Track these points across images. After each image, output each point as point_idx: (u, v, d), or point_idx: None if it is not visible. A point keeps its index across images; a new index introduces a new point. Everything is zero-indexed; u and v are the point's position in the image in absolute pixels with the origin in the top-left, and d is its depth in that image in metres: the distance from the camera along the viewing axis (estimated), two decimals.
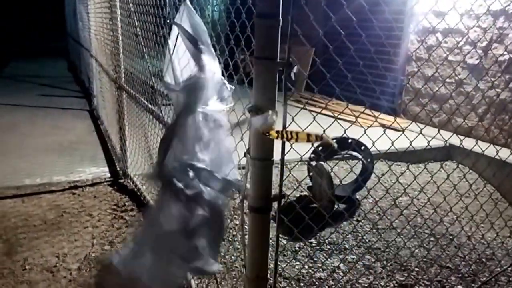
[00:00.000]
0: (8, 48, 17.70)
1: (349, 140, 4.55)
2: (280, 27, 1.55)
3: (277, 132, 1.54)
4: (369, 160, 4.74)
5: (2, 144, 6.34)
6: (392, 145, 2.42)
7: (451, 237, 4.14)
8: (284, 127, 1.62)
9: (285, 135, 1.55)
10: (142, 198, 4.58)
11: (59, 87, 10.98)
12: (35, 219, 4.15)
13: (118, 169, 5.45)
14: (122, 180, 5.16)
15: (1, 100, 9.02)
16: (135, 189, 4.83)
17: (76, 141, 6.61)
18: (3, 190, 4.72)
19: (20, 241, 3.77)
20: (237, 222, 3.77)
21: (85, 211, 4.35)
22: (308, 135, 1.55)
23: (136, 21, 3.99)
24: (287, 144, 1.67)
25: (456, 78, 6.82)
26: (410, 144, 2.66)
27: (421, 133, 2.65)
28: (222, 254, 3.57)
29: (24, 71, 13.41)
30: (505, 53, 6.06)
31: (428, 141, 2.92)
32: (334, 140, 4.53)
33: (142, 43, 3.83)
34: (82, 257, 3.58)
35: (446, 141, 3.51)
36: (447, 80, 6.92)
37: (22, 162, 5.59)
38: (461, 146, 3.52)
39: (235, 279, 3.36)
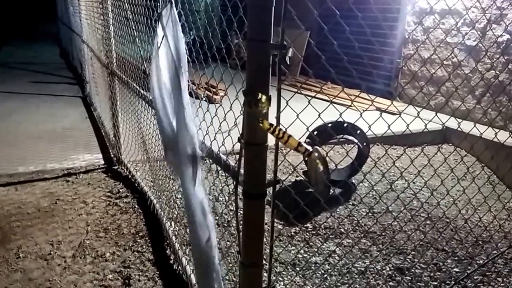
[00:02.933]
0: None
1: (345, 124, 4.52)
2: (273, 8, 1.50)
3: (271, 125, 1.51)
4: (365, 144, 4.71)
5: None
6: (389, 128, 2.38)
7: (447, 220, 4.13)
8: (279, 112, 1.58)
9: (276, 132, 1.52)
10: (136, 185, 4.56)
11: (51, 73, 10.88)
12: (28, 207, 4.13)
13: (112, 155, 5.41)
14: (116, 167, 5.13)
15: None
16: (129, 176, 4.80)
17: (70, 128, 6.56)
18: None
19: (14, 229, 3.74)
20: (232, 208, 3.74)
21: (79, 198, 4.32)
22: (299, 144, 1.53)
23: (126, 4, 3.91)
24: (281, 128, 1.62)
25: (454, 60, 6.76)
26: (407, 128, 2.62)
27: (418, 116, 2.61)
28: (217, 240, 3.55)
29: (16, 58, 13.27)
30: (504, 34, 6.00)
31: (425, 124, 2.88)
32: (330, 125, 4.56)
33: (133, 27, 3.75)
34: (77, 244, 3.56)
35: (443, 124, 3.47)
36: (445, 62, 6.86)
37: (15, 150, 5.54)
38: (458, 129, 3.48)
39: (230, 265, 3.34)
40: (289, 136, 1.53)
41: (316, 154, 1.57)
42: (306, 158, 4.65)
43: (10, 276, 3.15)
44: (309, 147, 1.56)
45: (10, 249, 3.46)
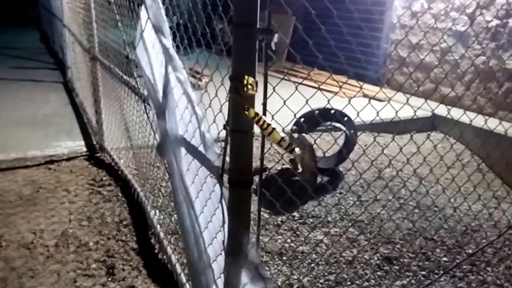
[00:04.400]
0: None
1: (332, 111, 4.47)
2: None
3: (256, 114, 1.48)
4: (352, 131, 4.67)
5: None
6: (377, 115, 2.34)
7: (436, 209, 4.13)
8: (265, 98, 1.56)
9: (260, 122, 1.49)
10: (119, 173, 4.50)
11: (31, 58, 10.65)
12: (10, 195, 4.06)
13: (94, 143, 5.32)
14: (98, 154, 5.05)
15: None
16: (112, 163, 4.74)
17: (51, 114, 6.45)
18: None
19: None
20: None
21: (61, 186, 4.26)
22: (282, 139, 1.51)
23: None
24: (268, 116, 1.59)
25: (442, 45, 6.71)
26: (396, 115, 2.58)
27: (407, 103, 2.57)
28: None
29: None
30: (494, 19, 5.96)
31: (414, 111, 2.84)
32: (317, 112, 4.50)
33: (115, 11, 3.65)
34: (59, 233, 3.51)
35: (433, 110, 3.44)
36: (433, 48, 6.82)
37: None
38: (447, 116, 3.45)
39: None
40: (273, 128, 1.51)
41: (298, 151, 1.52)
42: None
43: None
44: (292, 145, 1.54)
45: None
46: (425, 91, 6.90)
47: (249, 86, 1.46)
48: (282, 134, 1.53)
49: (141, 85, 3.18)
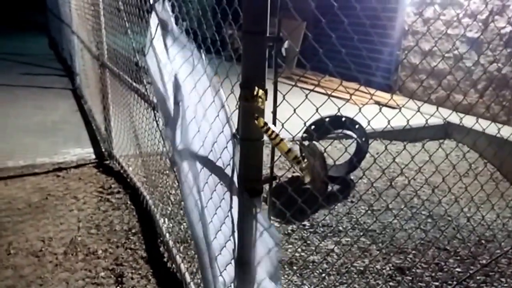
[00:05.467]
0: None
1: (343, 119, 4.44)
2: None
3: (265, 123, 1.49)
4: (363, 139, 4.63)
5: None
6: (388, 123, 2.30)
7: (449, 218, 4.07)
8: (275, 106, 1.57)
9: (269, 132, 1.50)
10: (128, 180, 4.49)
11: (40, 65, 10.73)
12: (19, 202, 4.06)
13: (103, 150, 5.33)
14: (107, 162, 5.05)
15: None
16: (121, 171, 4.72)
17: (60, 121, 6.47)
18: None
19: (4, 225, 3.68)
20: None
21: (70, 194, 4.25)
22: (289, 150, 1.52)
23: None
24: (278, 124, 1.60)
25: (455, 52, 6.65)
26: (408, 122, 2.53)
27: (418, 110, 2.53)
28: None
29: (3, 49, 13.04)
30: (507, 25, 5.90)
31: (426, 119, 2.80)
32: (327, 119, 4.47)
33: (125, 18, 3.65)
34: (68, 241, 3.50)
35: (445, 119, 3.38)
36: (446, 54, 6.76)
37: (3, 144, 5.44)
38: (460, 124, 3.40)
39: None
40: (281, 139, 1.51)
41: (304, 164, 1.52)
42: (304, 154, 4.59)
43: (1, 272, 3.10)
44: (300, 158, 1.56)
45: (0, 245, 3.41)
46: (438, 99, 6.83)
47: (259, 99, 1.45)
48: (290, 145, 1.51)
49: (151, 92, 3.16)
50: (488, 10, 6.23)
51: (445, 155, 3.35)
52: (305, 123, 2.02)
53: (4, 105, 7.22)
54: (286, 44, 9.14)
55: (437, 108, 2.74)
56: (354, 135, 4.62)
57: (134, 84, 3.67)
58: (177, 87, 2.00)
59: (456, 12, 6.56)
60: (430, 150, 4.81)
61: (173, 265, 3.19)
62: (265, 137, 1.58)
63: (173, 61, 2.07)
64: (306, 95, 1.74)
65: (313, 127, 4.46)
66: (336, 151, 5.20)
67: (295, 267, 3.33)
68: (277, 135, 1.49)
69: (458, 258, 3.54)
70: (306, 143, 4.48)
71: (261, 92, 1.47)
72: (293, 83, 1.94)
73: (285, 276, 3.21)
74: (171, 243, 3.27)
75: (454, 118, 3.41)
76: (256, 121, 1.48)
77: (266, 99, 1.50)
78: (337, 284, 3.17)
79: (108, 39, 4.66)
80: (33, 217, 3.82)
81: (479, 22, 6.34)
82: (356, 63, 7.49)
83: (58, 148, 5.33)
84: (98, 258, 3.29)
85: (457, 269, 3.41)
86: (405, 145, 2.94)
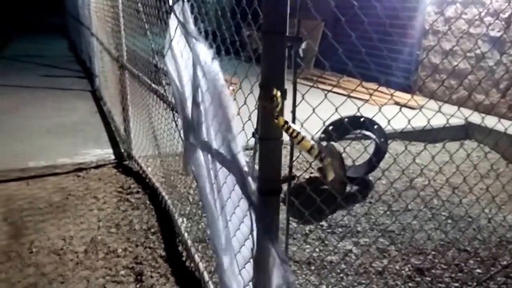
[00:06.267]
0: (7, 26, 17.54)
1: (362, 119, 4.41)
2: None
3: (286, 122, 1.49)
4: (383, 139, 4.59)
5: (4, 126, 6.27)
6: (408, 123, 2.29)
7: (470, 219, 4.01)
8: (294, 106, 1.57)
9: (290, 130, 1.50)
10: (147, 181, 4.52)
11: (60, 67, 10.87)
12: (40, 202, 4.11)
13: (122, 150, 5.37)
14: (126, 162, 5.08)
15: (3, 81, 8.90)
16: (140, 171, 4.75)
17: (79, 122, 6.53)
18: (8, 173, 4.66)
19: (26, 224, 3.73)
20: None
21: (90, 194, 4.30)
22: (311, 147, 1.53)
23: None
24: (297, 123, 1.59)
25: (477, 51, 6.56)
26: (428, 123, 2.51)
27: (439, 111, 2.50)
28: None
29: (25, 51, 13.26)
30: None
31: (447, 119, 2.77)
32: (346, 119, 4.44)
33: (144, 20, 3.68)
34: (89, 239, 3.54)
35: (466, 118, 3.35)
36: (467, 54, 6.67)
37: (25, 145, 5.52)
38: (481, 124, 3.36)
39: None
40: (303, 137, 1.52)
41: (329, 160, 1.52)
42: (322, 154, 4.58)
43: (23, 270, 3.15)
44: (322, 153, 1.54)
45: (22, 243, 3.46)
46: (459, 99, 6.75)
47: (279, 99, 1.46)
48: (312, 143, 1.50)
49: (170, 93, 3.18)
50: (511, 8, 6.14)
51: (466, 156, 3.33)
52: (324, 123, 2.01)
53: (25, 106, 7.31)
54: (303, 45, 9.12)
55: (458, 108, 2.71)
56: (373, 136, 4.59)
57: (153, 85, 3.69)
58: (196, 87, 2.01)
59: (478, 11, 6.47)
60: (450, 151, 4.78)
61: (192, 264, 3.20)
62: (284, 137, 1.59)
63: (191, 62, 2.08)
64: (325, 95, 1.74)
65: (332, 127, 4.44)
66: (355, 152, 5.17)
67: (313, 267, 3.31)
68: (298, 133, 1.49)
69: (479, 259, 3.49)
70: (324, 143, 4.46)
71: (279, 94, 1.47)
72: (312, 84, 1.94)
73: (303, 276, 3.20)
74: (189, 242, 3.28)
75: (475, 118, 3.38)
76: (276, 120, 1.48)
77: (285, 99, 1.50)
78: (355, 284, 3.15)
79: (127, 40, 4.69)
80: (54, 216, 3.87)
81: (502, 20, 6.26)
82: (375, 63, 7.43)
83: (78, 149, 5.39)
84: (118, 257, 3.32)
85: (477, 270, 3.36)
86: (425, 146, 2.92)
